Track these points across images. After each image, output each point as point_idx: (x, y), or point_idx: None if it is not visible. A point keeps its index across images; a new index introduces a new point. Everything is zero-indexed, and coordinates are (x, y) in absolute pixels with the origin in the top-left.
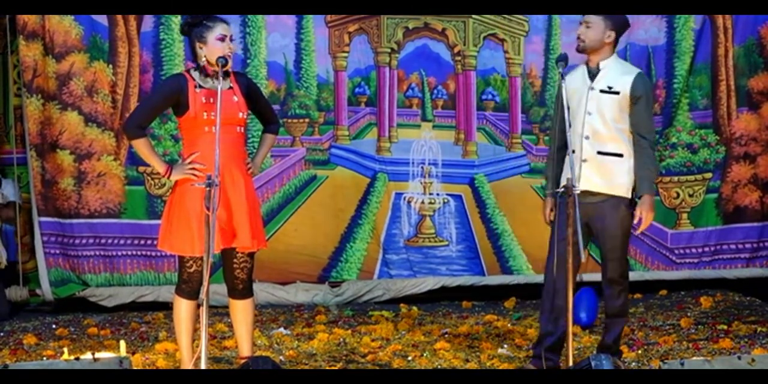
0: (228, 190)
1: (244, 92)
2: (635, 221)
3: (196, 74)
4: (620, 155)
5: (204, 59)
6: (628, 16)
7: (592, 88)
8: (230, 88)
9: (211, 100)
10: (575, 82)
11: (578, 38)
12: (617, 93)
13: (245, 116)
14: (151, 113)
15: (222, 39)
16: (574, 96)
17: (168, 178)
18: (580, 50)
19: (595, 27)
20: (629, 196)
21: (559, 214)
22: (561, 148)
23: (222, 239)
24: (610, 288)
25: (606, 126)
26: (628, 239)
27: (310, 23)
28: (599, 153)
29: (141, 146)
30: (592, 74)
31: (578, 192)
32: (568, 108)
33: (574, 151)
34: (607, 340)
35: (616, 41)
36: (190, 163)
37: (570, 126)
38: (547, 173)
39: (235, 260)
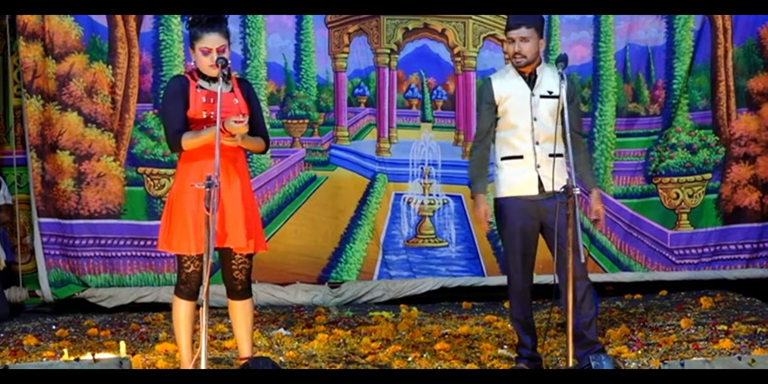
0: (223, 191)
1: (245, 97)
2: (593, 217)
3: (196, 76)
4: (561, 155)
5: (195, 63)
6: (628, 16)
7: (533, 95)
8: (231, 91)
9: (211, 100)
10: (510, 88)
11: (517, 55)
12: (556, 97)
13: (244, 119)
14: (177, 120)
15: (206, 52)
16: (513, 102)
17: (226, 135)
18: (522, 66)
19: (532, 40)
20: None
21: (560, 217)
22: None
23: (215, 239)
24: (574, 284)
25: (552, 130)
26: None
27: (309, 24)
28: (550, 155)
29: (188, 140)
30: (530, 80)
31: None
32: (496, 112)
33: (522, 157)
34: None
35: None
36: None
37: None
38: (474, 173)
39: (233, 261)
